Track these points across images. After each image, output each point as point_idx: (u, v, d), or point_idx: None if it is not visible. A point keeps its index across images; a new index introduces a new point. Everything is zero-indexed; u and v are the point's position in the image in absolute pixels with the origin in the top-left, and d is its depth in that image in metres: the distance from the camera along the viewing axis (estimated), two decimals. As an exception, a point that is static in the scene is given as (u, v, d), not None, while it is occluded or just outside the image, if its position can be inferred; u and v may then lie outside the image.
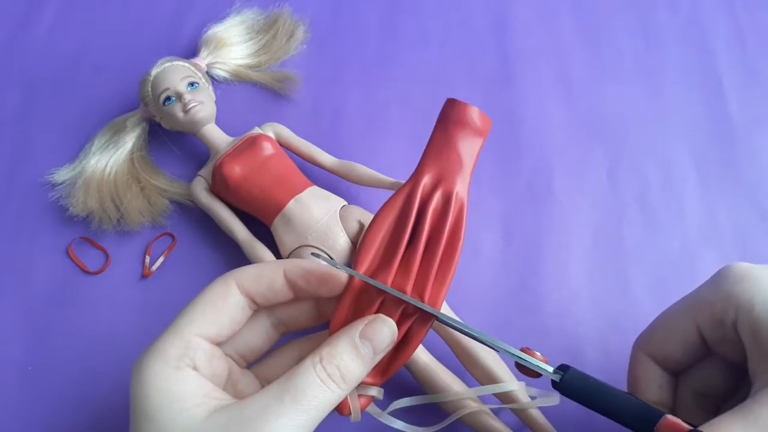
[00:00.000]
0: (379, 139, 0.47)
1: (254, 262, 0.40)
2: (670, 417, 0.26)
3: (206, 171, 0.43)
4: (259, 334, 0.31)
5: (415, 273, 0.30)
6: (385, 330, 0.28)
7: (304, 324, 0.32)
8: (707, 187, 0.45)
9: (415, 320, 0.30)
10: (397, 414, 0.34)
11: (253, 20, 0.50)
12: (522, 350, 0.29)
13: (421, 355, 0.37)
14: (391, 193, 0.41)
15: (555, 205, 0.45)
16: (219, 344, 0.30)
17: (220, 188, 0.41)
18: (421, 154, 0.33)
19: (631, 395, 0.28)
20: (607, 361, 0.40)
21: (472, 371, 0.37)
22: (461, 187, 0.32)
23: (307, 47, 0.50)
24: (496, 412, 0.37)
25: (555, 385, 0.29)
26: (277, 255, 0.40)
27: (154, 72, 0.43)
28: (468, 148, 0.32)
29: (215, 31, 0.48)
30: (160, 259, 0.43)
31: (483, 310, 0.41)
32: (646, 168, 0.46)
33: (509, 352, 0.29)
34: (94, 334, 0.41)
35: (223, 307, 0.29)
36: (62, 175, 0.45)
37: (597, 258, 0.43)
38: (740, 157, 0.46)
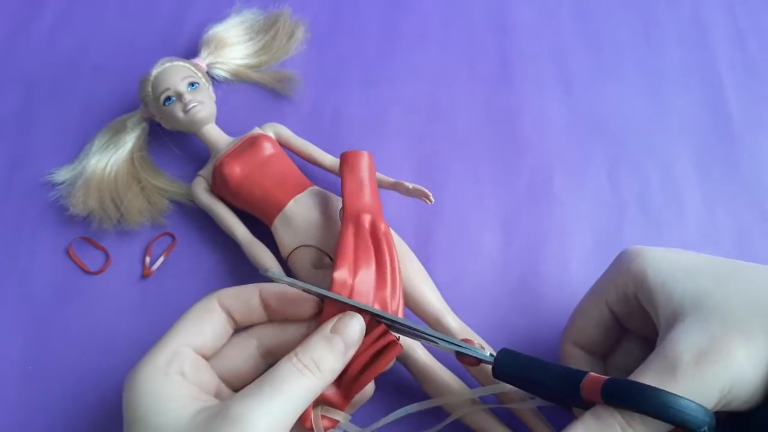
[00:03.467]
0: (379, 139, 0.47)
1: (254, 262, 0.40)
2: (592, 374, 0.29)
3: (206, 171, 0.43)
4: (247, 361, 0.33)
5: (389, 287, 0.35)
6: (353, 323, 0.31)
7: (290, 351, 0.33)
8: (707, 187, 0.45)
9: (384, 347, 0.32)
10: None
11: (253, 20, 0.50)
12: (462, 341, 0.32)
13: (421, 354, 0.37)
14: (387, 191, 0.41)
15: (555, 205, 0.45)
16: (206, 357, 0.32)
17: (220, 188, 0.41)
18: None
19: (558, 365, 0.31)
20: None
21: (472, 371, 0.37)
22: (379, 215, 0.38)
23: (307, 47, 0.50)
24: (495, 412, 0.37)
25: (493, 370, 0.31)
26: (278, 255, 0.40)
27: (154, 72, 0.43)
28: (369, 182, 0.39)
29: (215, 31, 0.48)
30: (161, 259, 0.43)
31: (483, 309, 0.41)
32: (646, 168, 0.46)
33: (448, 341, 0.31)
34: (95, 334, 0.41)
35: (207, 321, 0.32)
36: (62, 175, 0.45)
37: (597, 258, 0.43)
38: (740, 158, 0.46)
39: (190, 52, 0.48)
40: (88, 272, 0.43)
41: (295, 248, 0.39)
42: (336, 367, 0.30)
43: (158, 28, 0.51)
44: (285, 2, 0.51)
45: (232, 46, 0.48)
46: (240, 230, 0.41)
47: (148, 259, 0.43)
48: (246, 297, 0.33)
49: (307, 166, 0.44)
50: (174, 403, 0.28)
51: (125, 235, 0.43)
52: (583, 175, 0.46)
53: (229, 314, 0.32)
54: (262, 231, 0.41)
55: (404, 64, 0.50)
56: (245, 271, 0.42)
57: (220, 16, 0.49)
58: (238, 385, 0.33)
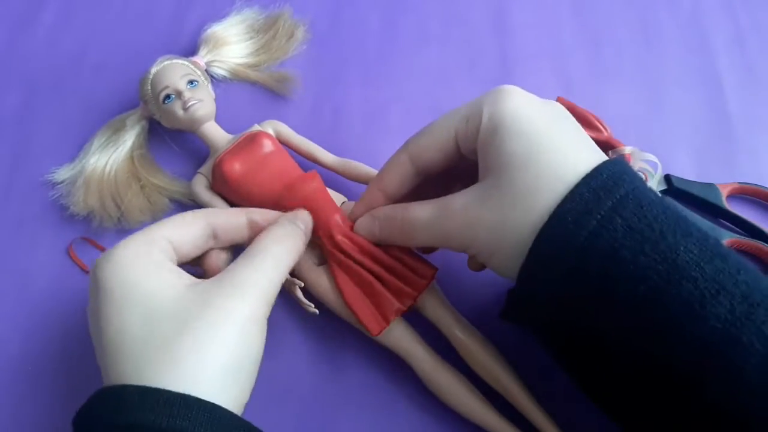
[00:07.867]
0: (379, 138, 0.47)
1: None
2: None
3: (206, 169, 0.43)
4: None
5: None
6: (304, 213, 0.36)
7: None
8: (707, 186, 0.45)
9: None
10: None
11: (254, 19, 0.50)
12: None
13: (424, 355, 0.37)
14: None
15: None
16: (178, 259, 0.32)
17: (220, 186, 0.41)
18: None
19: None
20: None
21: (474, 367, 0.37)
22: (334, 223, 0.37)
23: (307, 47, 0.50)
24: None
25: None
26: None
27: (153, 70, 0.43)
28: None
29: (215, 29, 0.48)
30: (160, 258, 0.43)
31: (482, 308, 0.41)
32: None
33: None
34: (94, 333, 0.41)
35: (192, 228, 0.33)
36: (62, 174, 0.45)
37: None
38: (740, 157, 0.46)
39: (191, 52, 0.48)
40: (88, 272, 0.43)
41: (295, 247, 0.39)
42: (300, 243, 0.34)
43: (158, 27, 0.51)
44: (285, 2, 0.51)
45: (232, 44, 0.48)
46: (240, 229, 0.41)
47: (148, 258, 0.43)
48: (235, 219, 0.34)
49: (306, 163, 0.44)
50: (166, 272, 0.28)
51: (126, 234, 0.43)
52: (584, 174, 0.46)
53: (214, 231, 0.33)
54: (262, 230, 0.41)
55: (404, 64, 0.50)
56: (245, 270, 0.42)
57: (220, 15, 0.50)
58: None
